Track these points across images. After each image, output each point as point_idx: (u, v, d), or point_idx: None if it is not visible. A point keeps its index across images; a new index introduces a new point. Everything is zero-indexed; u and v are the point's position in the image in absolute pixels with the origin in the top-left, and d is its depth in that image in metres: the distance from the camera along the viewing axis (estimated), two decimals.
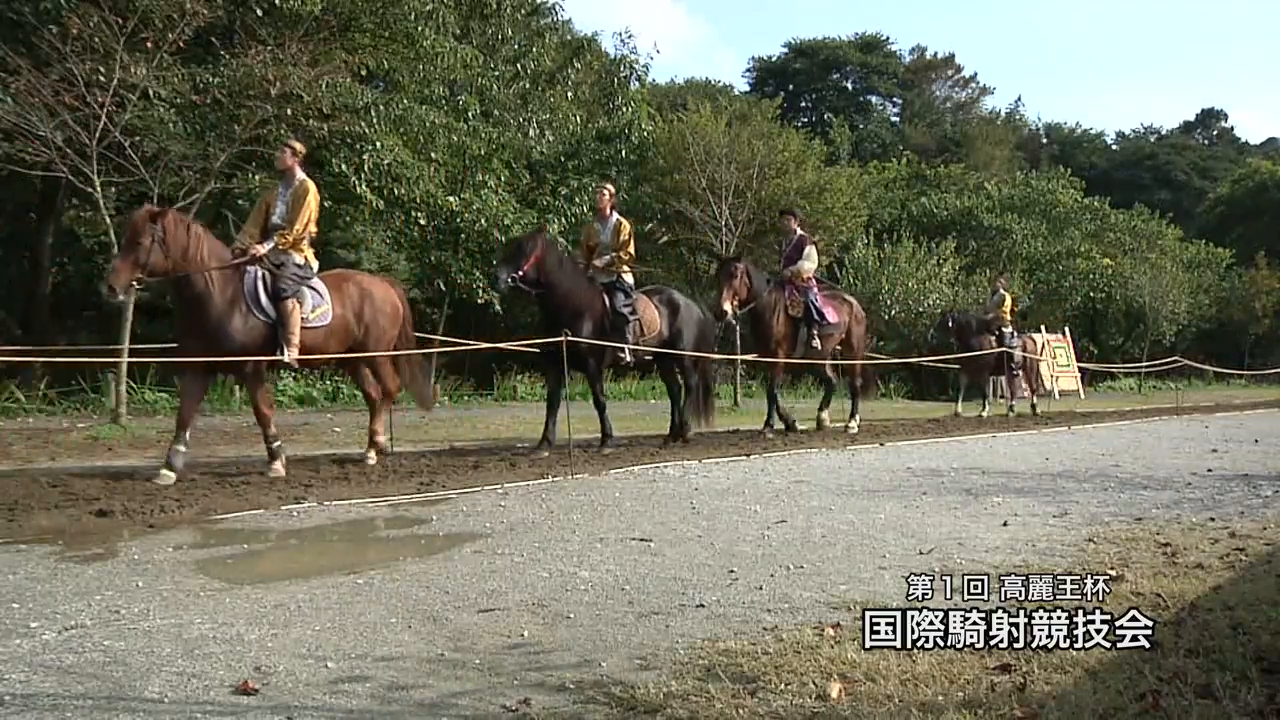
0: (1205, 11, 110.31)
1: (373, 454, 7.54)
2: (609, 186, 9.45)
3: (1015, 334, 16.01)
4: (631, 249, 9.01)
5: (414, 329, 8.50)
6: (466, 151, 16.25)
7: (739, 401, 15.97)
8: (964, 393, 16.09)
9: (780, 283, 10.68)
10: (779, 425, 10.90)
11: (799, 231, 11.11)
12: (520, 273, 8.16)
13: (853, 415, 11.58)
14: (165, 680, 2.73)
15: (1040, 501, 6.06)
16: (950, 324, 15.57)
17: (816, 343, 10.67)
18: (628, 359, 8.75)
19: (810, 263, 10.80)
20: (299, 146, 7.35)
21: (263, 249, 6.74)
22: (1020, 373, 16.44)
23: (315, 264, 7.15)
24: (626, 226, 9.01)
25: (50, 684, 2.71)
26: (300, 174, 7.15)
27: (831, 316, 10.86)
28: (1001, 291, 16.11)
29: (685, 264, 22.30)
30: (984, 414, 15.05)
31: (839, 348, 11.51)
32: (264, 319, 6.66)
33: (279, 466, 6.74)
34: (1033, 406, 16.36)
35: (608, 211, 9.07)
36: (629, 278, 8.97)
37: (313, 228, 7.11)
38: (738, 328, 12.49)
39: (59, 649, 3.01)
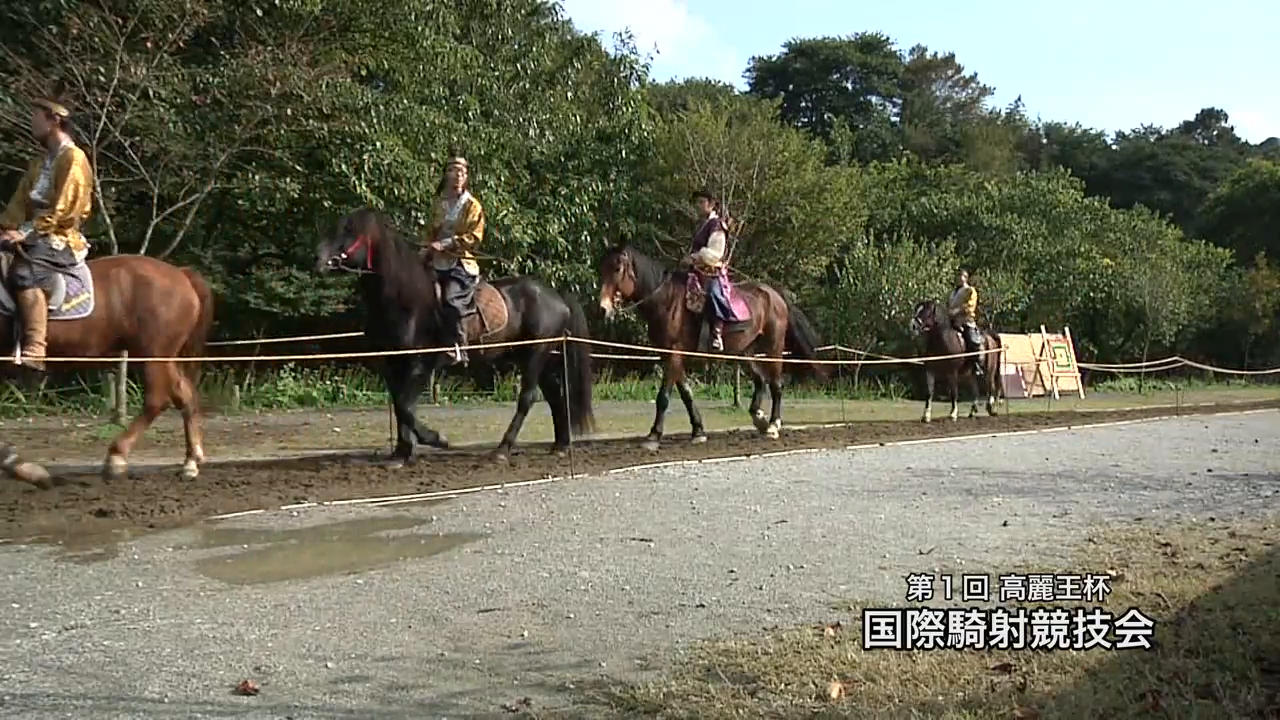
0: (1205, 11, 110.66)
1: (192, 464, 6.59)
2: (462, 160, 8.44)
3: (978, 330, 15.41)
4: (479, 233, 7.95)
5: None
6: (466, 151, 16.24)
7: (738, 401, 15.94)
8: (932, 394, 14.76)
9: (681, 274, 9.66)
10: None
11: (711, 215, 10.09)
12: (345, 254, 7.21)
13: (773, 419, 10.51)
14: (165, 680, 2.73)
15: (1040, 501, 6.06)
16: (934, 314, 14.46)
17: (718, 342, 9.60)
18: (458, 358, 7.78)
19: (716, 250, 9.74)
20: (58, 109, 6.15)
21: (20, 234, 5.69)
22: (983, 371, 15.61)
23: (84, 248, 6.02)
24: (477, 208, 8.02)
25: (50, 684, 2.71)
26: (65, 141, 5.98)
27: (741, 313, 9.76)
28: (966, 285, 15.58)
29: None
30: (953, 415, 14.27)
31: (754, 346, 10.32)
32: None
33: None
34: (988, 407, 15.65)
35: (459, 189, 8.04)
36: (472, 267, 7.97)
37: (85, 206, 6.00)
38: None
39: (59, 649, 3.01)
